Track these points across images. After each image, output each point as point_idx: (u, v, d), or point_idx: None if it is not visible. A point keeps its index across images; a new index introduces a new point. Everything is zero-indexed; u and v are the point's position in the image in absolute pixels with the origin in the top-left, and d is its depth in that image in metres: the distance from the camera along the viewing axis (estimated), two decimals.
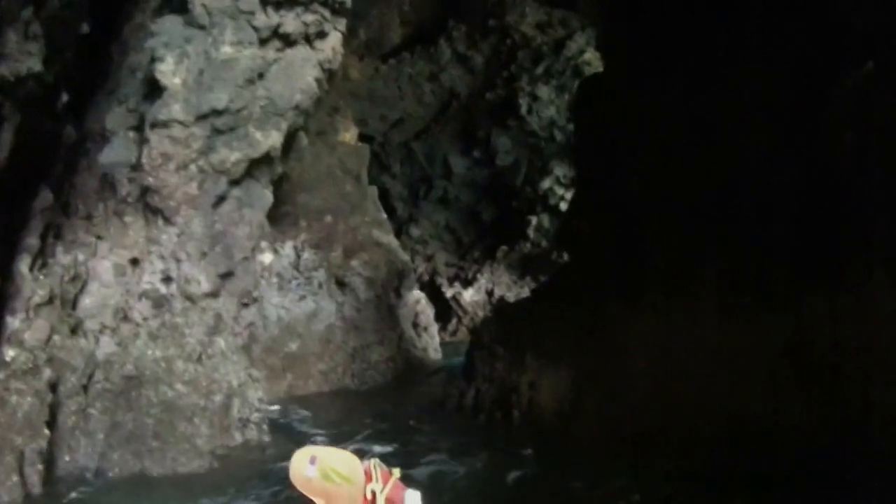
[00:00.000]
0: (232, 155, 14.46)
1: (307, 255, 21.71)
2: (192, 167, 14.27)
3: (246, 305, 15.25)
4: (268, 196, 15.29)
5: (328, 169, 22.98)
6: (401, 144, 32.07)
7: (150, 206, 14.43)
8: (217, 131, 14.43)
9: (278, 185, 19.26)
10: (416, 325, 24.91)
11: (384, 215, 24.73)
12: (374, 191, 24.43)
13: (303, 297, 21.33)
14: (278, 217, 21.19)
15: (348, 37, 22.79)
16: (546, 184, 31.31)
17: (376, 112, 30.08)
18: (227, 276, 14.58)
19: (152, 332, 14.17)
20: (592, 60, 28.93)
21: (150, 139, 14.16)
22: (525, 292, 31.99)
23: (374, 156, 29.47)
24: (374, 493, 4.47)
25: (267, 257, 15.80)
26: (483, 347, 17.39)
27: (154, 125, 14.15)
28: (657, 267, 13.76)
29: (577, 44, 29.38)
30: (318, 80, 15.43)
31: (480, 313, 32.36)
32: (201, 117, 14.26)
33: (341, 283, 21.97)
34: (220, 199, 14.61)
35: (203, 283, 14.25)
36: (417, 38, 29.96)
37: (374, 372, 21.68)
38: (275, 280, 21.10)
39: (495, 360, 16.69)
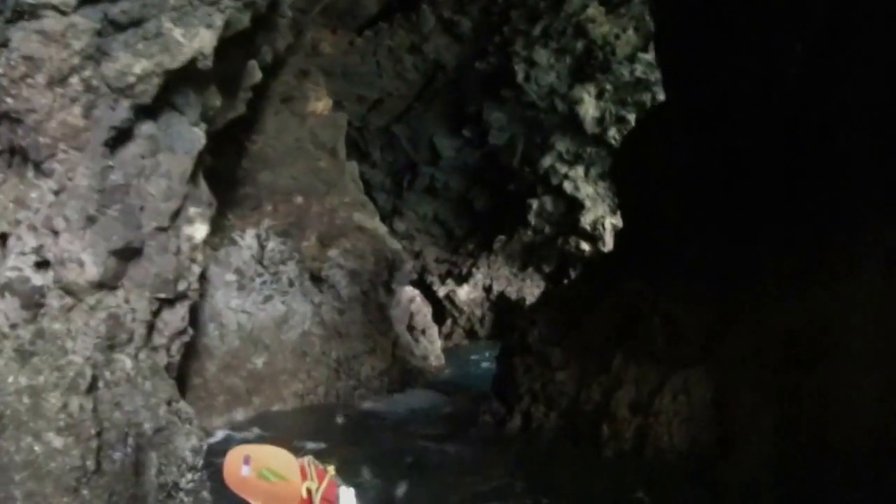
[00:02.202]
0: (137, 63, 8.49)
1: (273, 244, 15.71)
2: (75, 81, 8.29)
3: (168, 304, 9.11)
4: (197, 136, 9.25)
5: (297, 142, 16.99)
6: (381, 129, 26.00)
7: (17, 149, 8.40)
8: (113, 25, 8.42)
9: (228, 149, 13.62)
10: (412, 328, 18.98)
11: (366, 197, 18.61)
12: (353, 167, 18.37)
13: (269, 298, 15.31)
14: (236, 200, 15.60)
15: None
16: (547, 161, 25.27)
17: (352, 92, 24.00)
18: (128, 254, 8.52)
19: (22, 348, 8.07)
20: (596, 16, 23.00)
21: (10, 38, 8.14)
22: (528, 286, 26.25)
23: (351, 143, 23.77)
24: (309, 492, 4.24)
25: (199, 230, 9.47)
26: (527, 352, 11.37)
27: (16, 15, 8.11)
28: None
29: None
30: None
31: (478, 312, 26.64)
32: (88, 1, 8.25)
33: (317, 279, 15.96)
34: (121, 136, 8.61)
35: (88, 267, 8.16)
36: (397, 6, 23.83)
37: (366, 390, 15.68)
38: (233, 277, 15.13)
39: (552, 370, 10.65)
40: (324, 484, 4.35)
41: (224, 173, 15.22)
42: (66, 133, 8.23)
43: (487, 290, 26.69)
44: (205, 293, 14.52)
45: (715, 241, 9.57)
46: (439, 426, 13.04)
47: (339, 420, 14.22)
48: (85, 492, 7.66)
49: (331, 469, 4.43)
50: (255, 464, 4.18)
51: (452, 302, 26.62)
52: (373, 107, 25.13)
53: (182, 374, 12.96)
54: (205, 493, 8.54)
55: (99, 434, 7.76)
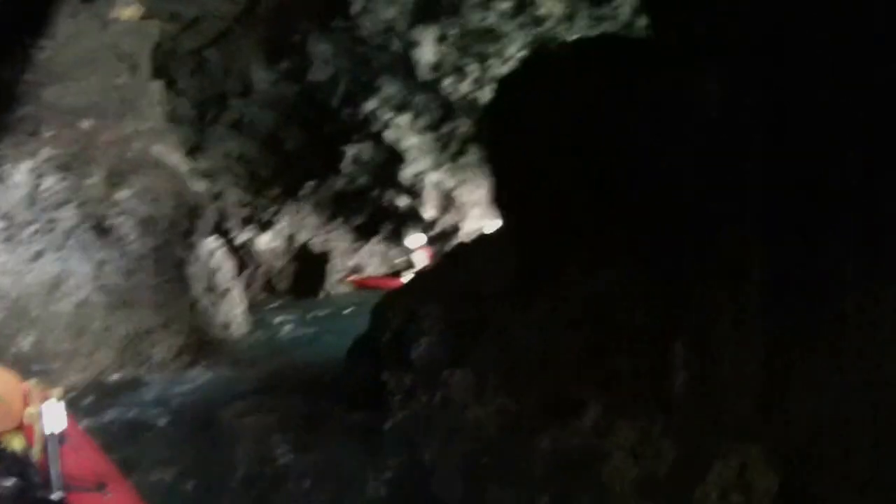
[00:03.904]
0: None
1: (50, 182, 11.56)
2: None
3: None
4: None
5: (93, 52, 12.76)
6: (192, 52, 21.25)
7: None
8: None
9: (9, 57, 9.87)
10: (211, 289, 14.83)
11: (168, 125, 14.37)
12: (159, 88, 14.15)
13: (40, 255, 11.10)
14: (11, 124, 11.76)
15: None
16: (370, 105, 21.49)
17: (165, 8, 18.99)
18: None
19: None
20: None
21: None
22: (334, 238, 22.65)
23: (158, 66, 19.06)
24: (32, 417, 4.11)
25: None
26: (407, 367, 7.58)
27: None
28: None
29: None
30: None
31: (278, 264, 22.86)
32: None
33: (102, 229, 11.81)
34: None
35: None
36: None
37: (158, 375, 11.64)
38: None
39: (452, 404, 6.84)
40: (45, 408, 4.07)
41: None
42: None
43: (290, 239, 22.89)
44: None
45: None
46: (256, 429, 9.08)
47: (124, 415, 10.11)
48: None
49: (56, 392, 4.19)
50: None
51: (250, 251, 22.66)
52: (187, 27, 20.44)
53: None
54: None
55: None
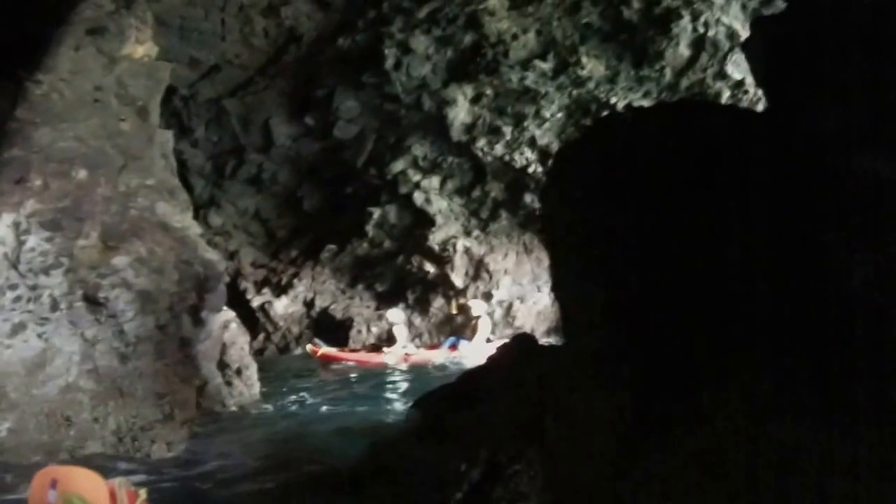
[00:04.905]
0: None
1: (35, 240, 9.49)
2: None
3: None
4: None
5: (97, 91, 10.77)
6: (211, 101, 19.58)
7: None
8: None
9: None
10: (224, 365, 12.79)
11: (178, 180, 12.25)
12: (167, 137, 12.19)
13: (21, 328, 9.07)
14: None
15: None
16: (398, 166, 19.77)
17: (186, 52, 17.54)
18: None
19: None
20: (497, 9, 17.11)
21: None
22: (356, 304, 20.72)
23: (173, 113, 18.28)
24: None
25: None
26: None
27: None
28: None
29: None
30: None
31: (295, 329, 20.98)
32: None
33: (94, 301, 9.75)
34: None
35: None
36: None
37: (155, 475, 9.45)
38: None
39: None
40: None
41: None
42: None
43: (309, 304, 20.91)
44: None
45: None
46: None
47: None
48: None
49: (142, 494, 3.57)
50: (63, 487, 3.25)
51: (267, 315, 20.74)
52: (206, 74, 18.75)
53: None
54: None
55: None
